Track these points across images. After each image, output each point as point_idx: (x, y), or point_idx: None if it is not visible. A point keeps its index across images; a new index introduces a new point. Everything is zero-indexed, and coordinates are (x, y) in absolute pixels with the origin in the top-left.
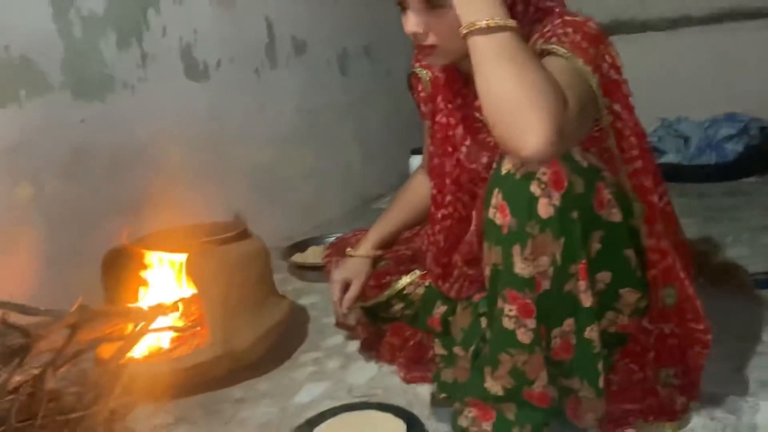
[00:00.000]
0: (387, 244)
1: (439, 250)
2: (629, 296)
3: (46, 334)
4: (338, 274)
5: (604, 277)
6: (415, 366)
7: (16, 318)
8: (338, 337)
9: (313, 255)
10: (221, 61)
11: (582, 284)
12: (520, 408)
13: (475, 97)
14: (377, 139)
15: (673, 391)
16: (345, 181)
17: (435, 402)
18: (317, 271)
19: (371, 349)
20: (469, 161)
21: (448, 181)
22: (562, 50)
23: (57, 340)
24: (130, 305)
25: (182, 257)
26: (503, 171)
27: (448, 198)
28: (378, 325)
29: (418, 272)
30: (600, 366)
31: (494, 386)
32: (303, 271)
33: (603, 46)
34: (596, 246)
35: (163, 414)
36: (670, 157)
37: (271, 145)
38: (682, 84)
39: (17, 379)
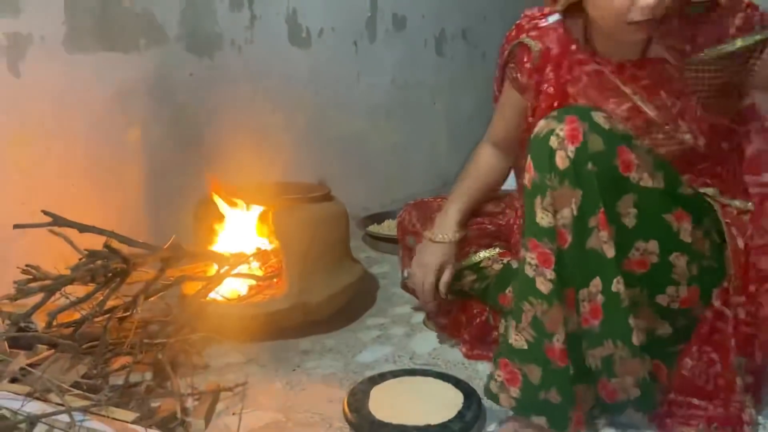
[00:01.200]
0: (466, 222)
1: None
2: (679, 261)
3: (142, 264)
4: (432, 260)
5: (653, 246)
6: (479, 344)
7: (117, 247)
8: (405, 307)
9: (388, 228)
10: (323, 30)
11: (604, 234)
12: (544, 370)
13: (604, 65)
14: (465, 122)
15: (744, 397)
16: (429, 160)
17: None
18: (391, 243)
19: (437, 322)
20: None
21: None
22: None
23: (149, 272)
24: (216, 250)
25: (269, 211)
26: (532, 136)
27: None
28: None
29: (498, 249)
30: (631, 321)
31: (518, 340)
32: (377, 241)
33: None
34: (632, 211)
35: (235, 353)
36: None
37: (363, 117)
38: None
39: (111, 303)
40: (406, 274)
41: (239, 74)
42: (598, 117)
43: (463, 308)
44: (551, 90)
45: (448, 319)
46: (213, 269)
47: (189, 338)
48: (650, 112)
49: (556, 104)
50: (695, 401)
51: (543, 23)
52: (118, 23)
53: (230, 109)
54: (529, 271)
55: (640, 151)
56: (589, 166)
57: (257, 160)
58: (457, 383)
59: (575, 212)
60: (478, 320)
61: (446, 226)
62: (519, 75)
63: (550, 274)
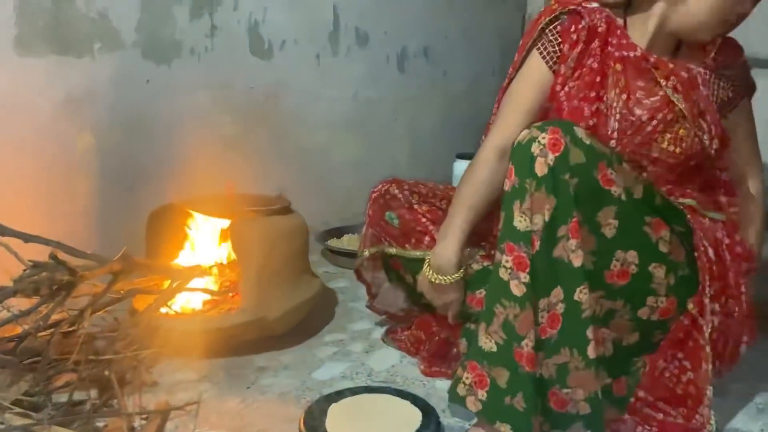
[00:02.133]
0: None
1: None
2: (658, 271)
3: (89, 277)
4: (448, 299)
5: (632, 257)
6: (437, 361)
7: (64, 258)
8: (364, 323)
9: (348, 242)
10: (285, 42)
11: (572, 242)
12: (512, 374)
13: (644, 57)
14: (426, 139)
15: (710, 411)
16: (390, 175)
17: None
18: (350, 258)
19: (396, 339)
20: (611, 109)
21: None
22: None
23: (98, 285)
24: (170, 262)
25: (226, 222)
26: (515, 144)
27: None
28: (415, 305)
29: (481, 252)
30: (589, 333)
31: (488, 342)
32: (336, 256)
33: None
34: (612, 222)
35: (187, 370)
36: None
37: (324, 131)
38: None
39: (55, 317)
40: (368, 252)
41: (198, 83)
42: (580, 132)
43: (422, 325)
44: (595, 65)
45: (407, 336)
46: (166, 283)
47: (138, 354)
48: (682, 106)
49: (598, 80)
50: (660, 404)
51: (586, 4)
52: (71, 27)
53: (188, 118)
54: (503, 275)
55: (618, 165)
56: (567, 176)
57: (215, 171)
58: (416, 401)
59: (546, 219)
60: (437, 337)
61: (451, 254)
62: (561, 44)
63: (524, 277)
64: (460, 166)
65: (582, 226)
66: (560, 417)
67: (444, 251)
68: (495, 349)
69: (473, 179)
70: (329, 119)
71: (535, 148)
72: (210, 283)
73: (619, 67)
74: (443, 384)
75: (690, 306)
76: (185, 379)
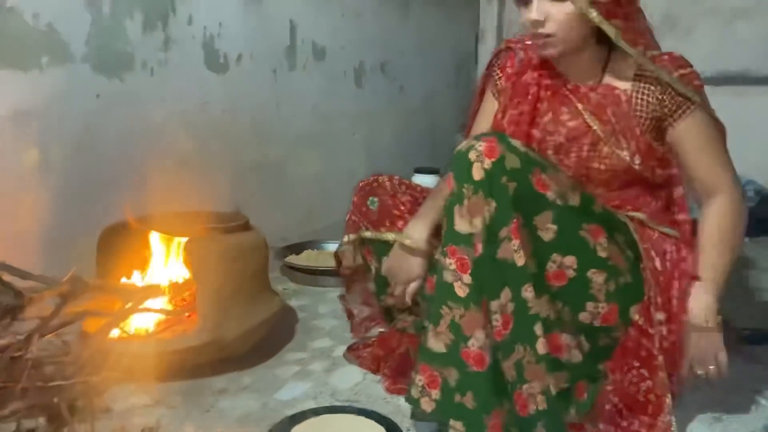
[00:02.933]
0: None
1: None
2: (597, 277)
3: (37, 300)
4: (406, 277)
5: (570, 261)
6: (400, 377)
7: (9, 280)
8: (325, 340)
9: (307, 258)
10: (242, 56)
11: (515, 243)
12: (461, 372)
13: (563, 84)
14: (384, 153)
15: (672, 417)
16: (348, 189)
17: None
18: (310, 275)
19: (358, 356)
20: (545, 133)
21: None
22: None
23: (46, 308)
24: (122, 282)
25: (182, 241)
26: (455, 152)
27: None
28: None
29: None
30: (537, 328)
31: (437, 343)
32: (296, 272)
33: None
34: (552, 227)
35: (142, 395)
36: None
37: (282, 145)
38: None
39: (2, 341)
40: (348, 239)
41: (151, 97)
42: (515, 142)
43: (383, 342)
44: (529, 96)
45: (369, 353)
46: (118, 304)
47: (90, 380)
48: (596, 127)
49: (530, 108)
50: (625, 412)
51: (527, 42)
52: (18, 40)
53: (141, 133)
54: (447, 277)
55: (553, 173)
56: (504, 179)
57: (170, 187)
58: (380, 419)
59: (487, 222)
60: (397, 353)
61: (417, 229)
62: (501, 78)
63: (467, 278)
64: (418, 180)
65: (522, 228)
66: (525, 422)
67: (416, 225)
68: (444, 349)
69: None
70: (286, 134)
71: (472, 155)
72: (165, 303)
73: (549, 94)
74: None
75: (636, 316)
76: (140, 404)
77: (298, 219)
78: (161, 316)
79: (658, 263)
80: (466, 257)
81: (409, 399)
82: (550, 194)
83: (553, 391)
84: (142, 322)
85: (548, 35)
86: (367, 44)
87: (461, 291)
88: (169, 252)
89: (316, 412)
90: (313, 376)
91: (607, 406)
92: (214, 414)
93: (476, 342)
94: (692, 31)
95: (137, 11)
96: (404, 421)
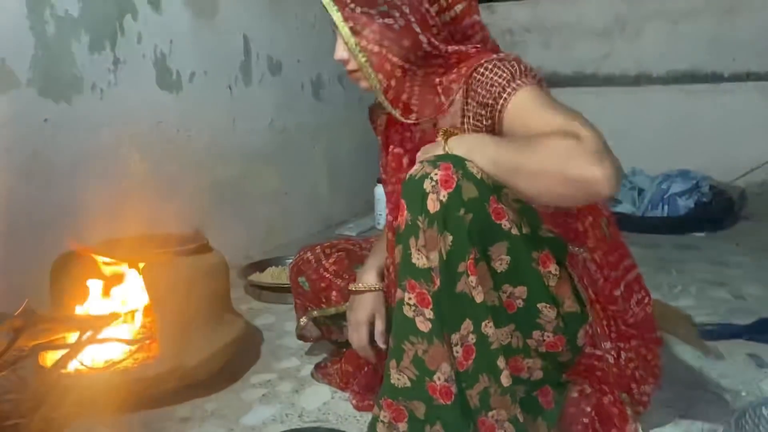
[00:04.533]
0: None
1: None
2: (548, 312)
3: None
4: (361, 314)
5: (521, 292)
6: (369, 394)
7: None
8: (292, 360)
9: (271, 276)
10: (195, 74)
11: (472, 279)
12: (428, 406)
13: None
14: (345, 165)
15: (638, 425)
16: (310, 204)
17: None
18: (275, 292)
19: (325, 375)
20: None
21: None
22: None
23: None
24: (78, 313)
25: (138, 267)
26: (407, 177)
27: None
28: (332, 341)
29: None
30: (500, 362)
31: (400, 379)
32: (260, 291)
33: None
34: (505, 258)
35: (103, 429)
36: (626, 208)
37: (239, 162)
38: (640, 138)
39: None
40: (303, 321)
41: (102, 120)
42: (471, 166)
43: (350, 359)
44: (397, 150)
45: (336, 370)
46: (74, 335)
47: (48, 416)
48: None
49: (404, 162)
50: (597, 425)
51: None
52: None
53: (92, 157)
54: (408, 312)
55: (507, 199)
56: (462, 212)
57: (124, 211)
58: None
59: (444, 257)
60: (365, 369)
61: (366, 275)
62: (378, 135)
63: (429, 313)
64: (381, 190)
65: (479, 263)
66: None
67: (364, 273)
68: (408, 384)
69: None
70: (245, 150)
71: (427, 185)
72: (124, 331)
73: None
74: None
75: (581, 344)
76: None
77: (260, 236)
78: (122, 345)
79: (591, 292)
80: (426, 292)
81: None
82: (505, 223)
83: (521, 419)
84: (102, 352)
85: (352, 71)
86: (324, 56)
87: (423, 326)
88: (127, 279)
89: None
90: (281, 397)
91: (585, 420)
92: None
93: (442, 376)
94: (641, 32)
95: (83, 32)
96: None
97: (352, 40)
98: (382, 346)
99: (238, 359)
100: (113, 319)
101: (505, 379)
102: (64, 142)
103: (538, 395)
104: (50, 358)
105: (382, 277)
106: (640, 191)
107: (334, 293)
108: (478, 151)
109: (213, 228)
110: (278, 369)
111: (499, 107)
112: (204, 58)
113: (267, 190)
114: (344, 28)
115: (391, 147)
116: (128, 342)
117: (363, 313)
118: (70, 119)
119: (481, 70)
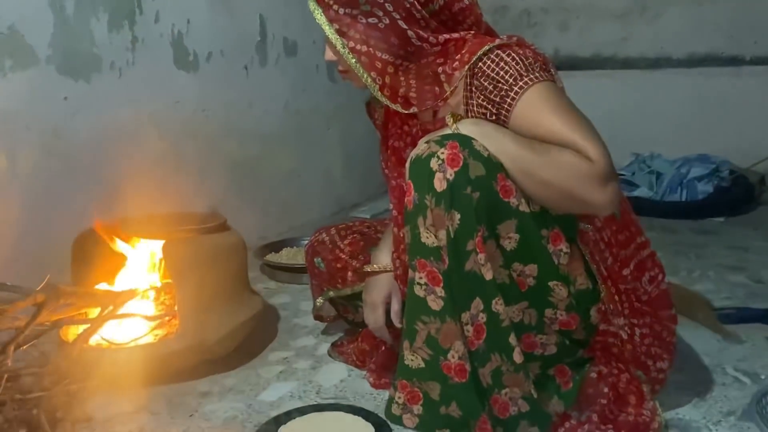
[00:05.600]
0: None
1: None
2: (559, 290)
3: (10, 311)
4: (377, 295)
5: (531, 270)
6: (385, 372)
7: None
8: (309, 339)
9: (287, 256)
10: (212, 54)
11: (481, 257)
12: (443, 385)
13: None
14: (360, 147)
15: (655, 403)
16: (325, 185)
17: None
18: (290, 272)
19: (342, 353)
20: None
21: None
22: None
23: (20, 318)
24: (99, 288)
25: (159, 244)
26: (413, 157)
27: None
28: (349, 321)
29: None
30: (512, 339)
31: (414, 359)
32: (276, 271)
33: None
34: (514, 236)
35: (124, 402)
36: (643, 191)
37: (255, 143)
38: (658, 122)
39: None
40: (319, 302)
41: (120, 98)
42: (477, 145)
43: (367, 337)
44: (397, 144)
45: (353, 349)
46: (96, 311)
47: (69, 389)
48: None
49: (404, 156)
50: (612, 406)
51: None
52: None
53: (111, 135)
54: (419, 291)
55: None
56: (468, 189)
57: (144, 190)
58: (368, 415)
59: (452, 235)
60: (382, 348)
61: (381, 256)
62: (377, 130)
63: (440, 291)
64: None
65: (487, 240)
66: (506, 422)
67: (378, 254)
68: (423, 365)
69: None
70: (260, 131)
71: (433, 163)
72: (146, 307)
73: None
74: None
75: (595, 322)
76: (122, 411)
77: (276, 217)
78: (143, 321)
79: (603, 269)
80: (436, 270)
81: (390, 416)
82: (513, 200)
83: (535, 395)
84: (123, 327)
85: (343, 71)
86: None
87: (435, 304)
88: (147, 256)
89: (302, 411)
90: (298, 374)
91: (603, 401)
92: (198, 418)
93: (456, 354)
94: (662, 14)
95: (102, 11)
96: None
97: (340, 42)
98: (398, 325)
99: (255, 336)
100: (134, 295)
101: (518, 357)
102: (84, 120)
103: (555, 374)
104: (72, 332)
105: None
106: (658, 175)
107: (349, 274)
108: (493, 139)
109: (229, 208)
110: (295, 347)
111: (507, 105)
112: (220, 38)
113: (282, 172)
114: (330, 30)
115: (391, 141)
116: (149, 318)
117: (379, 294)
118: (89, 97)
119: (488, 61)
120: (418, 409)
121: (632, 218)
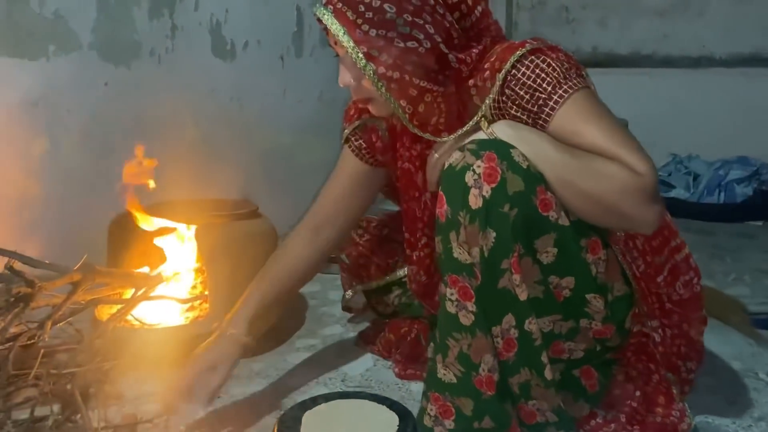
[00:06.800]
0: (258, 317)
1: (424, 287)
2: (596, 302)
3: (48, 288)
4: (202, 362)
5: (568, 282)
6: (411, 363)
7: (21, 268)
8: (336, 327)
9: None
10: (248, 43)
11: (516, 278)
12: (476, 401)
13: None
14: None
15: (684, 405)
16: None
17: None
18: None
19: (369, 342)
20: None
21: (420, 225)
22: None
23: (57, 296)
24: (134, 270)
25: (192, 228)
26: (446, 166)
27: (423, 240)
28: (378, 312)
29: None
30: (544, 357)
31: (447, 374)
32: None
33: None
34: (552, 250)
35: (154, 381)
36: (679, 193)
37: (289, 132)
38: (697, 122)
39: (14, 329)
40: (348, 294)
41: (159, 85)
42: (517, 155)
43: (393, 328)
44: (407, 165)
45: (380, 339)
46: (129, 291)
47: (102, 366)
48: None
49: (415, 179)
50: (634, 405)
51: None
52: (24, 28)
53: (149, 121)
54: (450, 308)
55: (551, 187)
56: (506, 207)
57: (178, 175)
58: (392, 405)
59: (486, 255)
60: (408, 339)
61: (234, 319)
62: (374, 154)
63: (471, 306)
64: None
65: (523, 258)
66: (532, 428)
67: (234, 311)
68: (455, 380)
69: (272, 257)
70: (294, 121)
71: (468, 178)
72: (178, 290)
73: (416, 154)
74: (418, 387)
75: (629, 326)
76: (152, 390)
77: (307, 206)
78: (175, 303)
79: (635, 269)
80: (468, 286)
81: (422, 427)
82: (552, 213)
83: (563, 407)
84: (155, 309)
85: (362, 100)
86: None
87: (466, 320)
88: (180, 240)
89: (328, 397)
90: (324, 362)
91: (633, 403)
92: (226, 400)
93: (486, 366)
94: (704, 12)
95: None
96: (416, 407)
97: (370, 68)
98: (206, 404)
99: (283, 323)
100: (166, 278)
101: (549, 374)
102: (123, 106)
103: (580, 375)
104: (106, 312)
105: (250, 327)
106: (696, 176)
107: (373, 268)
108: (532, 144)
109: (261, 196)
110: (322, 335)
111: (544, 116)
112: (257, 27)
113: (314, 161)
114: (357, 54)
115: (400, 163)
116: (181, 301)
117: (207, 357)
118: (128, 84)
119: (521, 68)
120: (450, 423)
121: (666, 221)
